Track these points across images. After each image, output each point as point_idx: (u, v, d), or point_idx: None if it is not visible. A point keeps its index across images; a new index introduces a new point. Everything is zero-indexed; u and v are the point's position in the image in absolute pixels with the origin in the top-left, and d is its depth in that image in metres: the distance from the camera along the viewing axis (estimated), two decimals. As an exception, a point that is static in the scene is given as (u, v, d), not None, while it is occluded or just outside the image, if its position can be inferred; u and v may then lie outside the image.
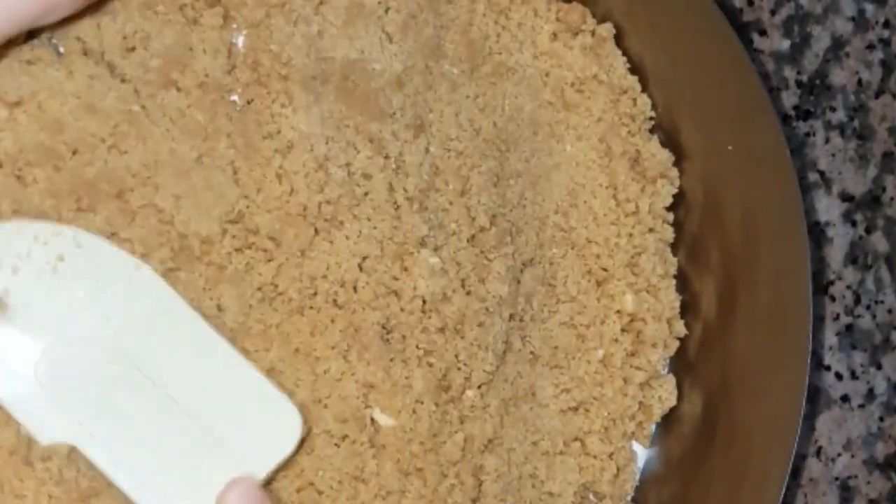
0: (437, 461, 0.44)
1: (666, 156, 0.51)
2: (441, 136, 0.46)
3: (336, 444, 0.43)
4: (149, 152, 0.40)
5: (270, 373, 0.42)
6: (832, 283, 0.58)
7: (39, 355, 0.38)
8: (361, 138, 0.44)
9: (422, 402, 0.44)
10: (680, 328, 0.51)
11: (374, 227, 0.43)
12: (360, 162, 0.43)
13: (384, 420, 0.43)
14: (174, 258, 0.41)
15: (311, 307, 0.43)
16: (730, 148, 0.49)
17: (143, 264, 0.39)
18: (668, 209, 0.52)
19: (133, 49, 0.41)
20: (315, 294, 0.43)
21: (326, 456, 0.42)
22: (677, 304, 0.51)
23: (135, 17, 0.41)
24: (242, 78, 0.43)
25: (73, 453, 0.38)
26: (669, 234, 0.51)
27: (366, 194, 0.43)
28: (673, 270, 0.52)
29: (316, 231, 0.43)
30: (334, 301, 0.43)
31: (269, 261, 0.42)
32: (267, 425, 0.40)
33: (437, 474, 0.44)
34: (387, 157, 0.44)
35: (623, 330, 0.50)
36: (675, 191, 0.51)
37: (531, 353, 0.48)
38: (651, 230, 0.51)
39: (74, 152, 0.40)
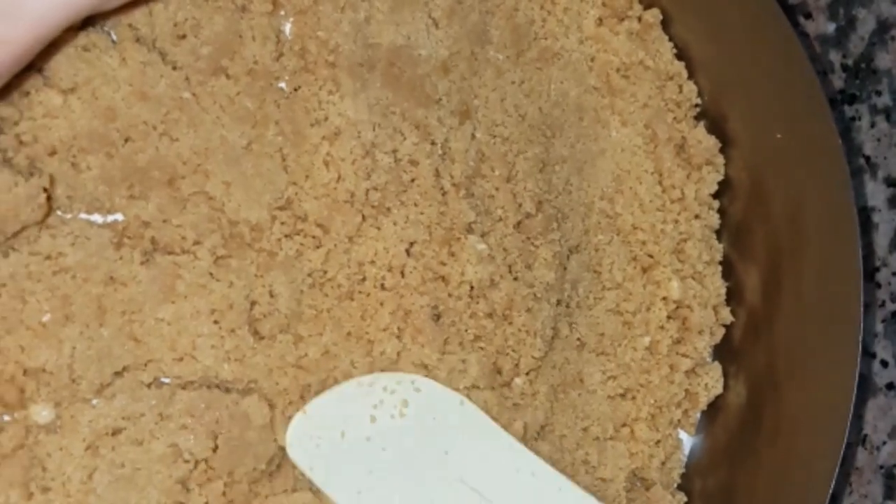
0: None
1: (712, 142, 0.50)
2: (487, 121, 0.46)
3: None
4: (199, 139, 0.40)
5: (325, 356, 0.42)
6: (878, 269, 0.57)
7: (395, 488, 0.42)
8: (408, 125, 0.43)
9: (478, 387, 0.44)
10: (726, 315, 0.51)
11: (421, 213, 0.43)
12: (407, 148, 0.43)
13: None
14: (225, 245, 0.41)
15: (360, 292, 0.43)
16: (778, 136, 0.48)
17: (466, 400, 0.43)
18: (713, 196, 0.51)
19: (184, 36, 0.41)
20: (364, 279, 0.43)
21: None
22: (723, 291, 0.51)
23: (186, 5, 0.41)
24: (290, 65, 0.42)
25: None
26: (715, 220, 0.51)
27: (412, 180, 0.43)
28: (718, 257, 0.51)
29: (363, 217, 0.43)
30: (382, 286, 0.43)
31: (318, 247, 0.42)
32: None
33: None
34: (433, 143, 0.44)
35: (669, 317, 0.50)
36: (720, 178, 0.51)
37: (578, 339, 0.48)
38: (697, 217, 0.50)
39: (127, 139, 0.40)
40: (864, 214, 0.57)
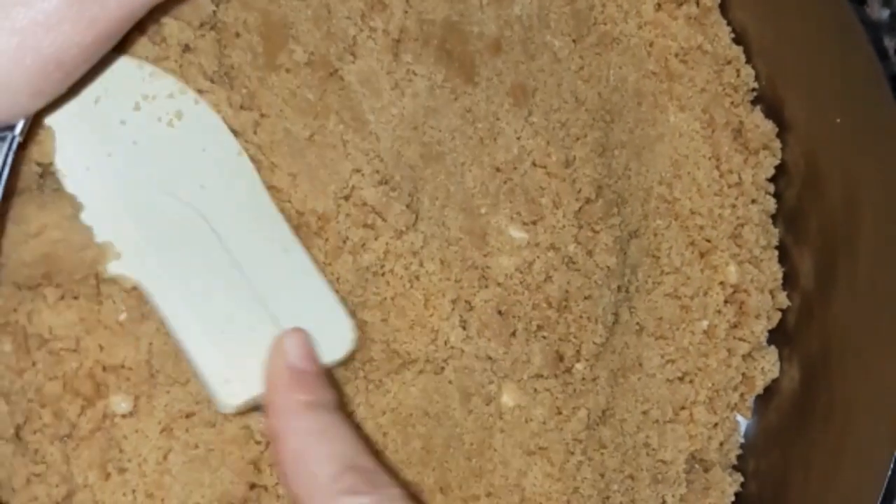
0: (562, 438, 0.44)
1: (769, 127, 0.51)
2: (544, 106, 0.46)
3: (462, 419, 0.43)
4: (265, 134, 0.41)
5: (392, 344, 0.42)
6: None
7: (130, 189, 0.38)
8: (458, 106, 0.44)
9: (542, 376, 0.44)
10: (782, 299, 0.51)
11: (459, 198, 0.44)
12: (452, 125, 0.44)
13: (504, 398, 0.44)
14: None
15: (419, 279, 0.43)
16: (838, 120, 0.48)
17: (245, 153, 0.40)
18: (770, 180, 0.51)
19: (238, 35, 0.41)
20: (421, 266, 0.43)
21: (455, 432, 0.43)
22: (780, 275, 0.51)
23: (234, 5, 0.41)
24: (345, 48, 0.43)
25: (134, 290, 0.39)
26: (771, 205, 0.51)
27: (461, 164, 0.44)
28: (775, 241, 0.51)
29: (408, 206, 0.43)
30: (436, 275, 0.43)
31: (378, 237, 0.42)
32: (321, 328, 0.40)
33: (562, 452, 0.44)
34: (476, 123, 0.44)
35: (726, 301, 0.50)
36: (777, 162, 0.51)
37: (637, 324, 0.48)
38: (754, 201, 0.51)
39: None
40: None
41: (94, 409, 0.38)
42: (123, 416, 0.39)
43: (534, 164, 0.45)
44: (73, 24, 0.33)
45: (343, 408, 0.40)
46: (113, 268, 0.38)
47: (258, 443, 0.40)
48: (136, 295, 0.39)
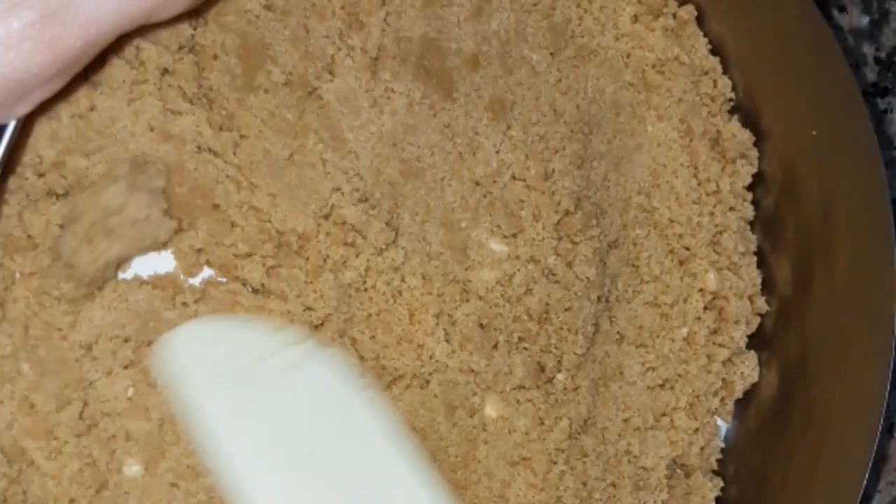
0: (544, 449, 0.45)
1: (746, 136, 0.51)
2: (522, 119, 0.47)
3: (447, 432, 0.44)
4: (244, 154, 0.42)
5: (381, 360, 0.43)
6: (909, 259, 0.58)
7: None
8: (437, 122, 0.44)
9: (524, 387, 0.45)
10: (761, 304, 0.52)
11: (439, 213, 0.44)
12: (431, 141, 0.44)
13: (487, 410, 0.45)
14: (275, 255, 0.42)
15: (402, 294, 0.44)
16: (814, 133, 0.49)
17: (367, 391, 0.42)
18: (748, 188, 0.52)
19: (216, 57, 0.42)
20: (403, 282, 0.44)
21: (440, 445, 0.44)
22: (758, 281, 0.52)
23: (212, 28, 0.42)
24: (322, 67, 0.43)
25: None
26: (749, 212, 0.52)
27: (440, 179, 0.45)
28: (753, 248, 0.52)
29: (388, 223, 0.44)
30: (419, 290, 0.44)
31: (358, 255, 0.43)
32: None
33: (545, 462, 0.45)
34: (455, 138, 0.45)
35: (706, 308, 0.51)
36: (754, 171, 0.51)
37: (618, 333, 0.49)
38: (732, 209, 0.51)
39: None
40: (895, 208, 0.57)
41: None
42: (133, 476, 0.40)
43: (513, 177, 0.46)
44: (35, 44, 0.34)
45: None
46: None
47: None
48: (141, 367, 0.40)
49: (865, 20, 0.58)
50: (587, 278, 0.47)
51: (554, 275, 0.46)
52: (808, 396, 0.50)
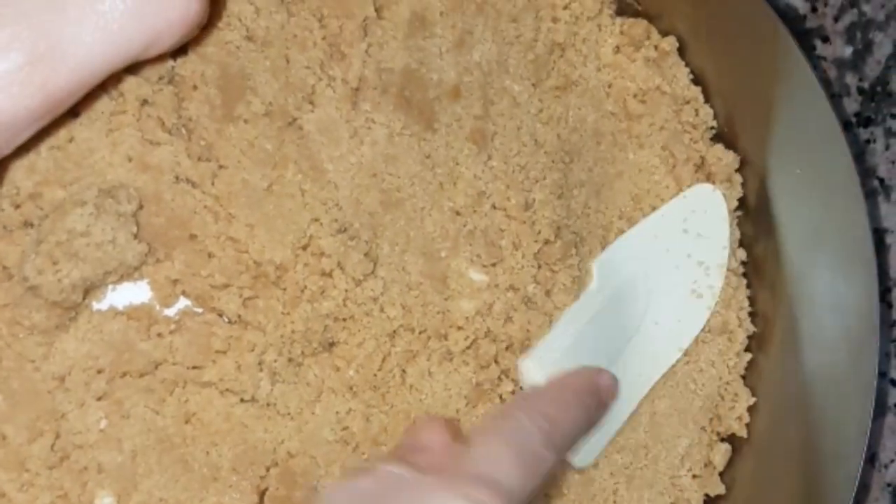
0: None
1: (731, 157, 0.51)
2: (503, 150, 0.47)
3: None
4: (223, 185, 0.42)
5: (374, 393, 0.44)
6: (889, 290, 0.58)
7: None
8: (418, 152, 0.45)
9: None
10: (748, 326, 0.52)
11: (419, 243, 0.45)
12: (412, 171, 0.44)
13: None
14: (252, 286, 0.42)
15: (382, 325, 0.44)
16: (798, 171, 0.49)
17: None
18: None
19: (195, 87, 0.42)
20: (382, 312, 0.44)
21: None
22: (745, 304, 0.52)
23: (193, 59, 0.42)
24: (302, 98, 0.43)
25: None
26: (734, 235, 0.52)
27: (420, 209, 0.45)
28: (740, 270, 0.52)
29: (368, 253, 0.44)
30: (398, 321, 0.44)
31: (336, 286, 0.43)
32: None
33: None
34: (436, 168, 0.45)
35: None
36: (739, 195, 0.52)
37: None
38: None
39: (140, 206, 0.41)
40: (878, 236, 0.58)
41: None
42: None
43: (493, 206, 0.46)
44: (23, 87, 0.34)
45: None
46: None
47: None
48: (116, 399, 0.40)
49: (849, 50, 0.58)
50: (565, 306, 0.47)
51: (533, 303, 0.46)
52: (796, 433, 0.50)
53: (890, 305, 0.58)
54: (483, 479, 0.35)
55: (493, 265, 0.46)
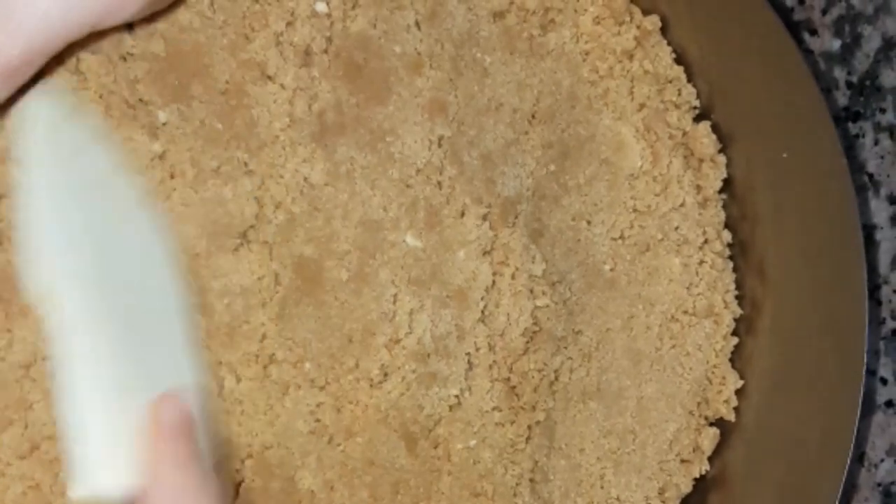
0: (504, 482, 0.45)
1: (714, 138, 0.50)
2: (458, 119, 0.45)
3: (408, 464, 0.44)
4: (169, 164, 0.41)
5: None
6: (879, 287, 0.57)
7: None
8: (367, 120, 0.43)
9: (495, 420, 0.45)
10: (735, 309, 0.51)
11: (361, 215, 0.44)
12: (361, 141, 0.43)
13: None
14: None
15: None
16: (784, 155, 0.48)
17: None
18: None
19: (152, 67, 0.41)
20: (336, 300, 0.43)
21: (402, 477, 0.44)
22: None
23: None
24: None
25: None
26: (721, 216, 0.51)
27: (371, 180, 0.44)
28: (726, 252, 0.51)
29: None
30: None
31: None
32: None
33: (507, 497, 0.45)
34: (386, 137, 0.43)
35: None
36: (723, 175, 0.50)
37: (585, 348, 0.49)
38: (701, 214, 0.51)
39: None
40: (866, 231, 0.57)
41: None
42: None
43: (440, 174, 0.45)
44: None
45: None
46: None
47: None
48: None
49: (837, 44, 0.57)
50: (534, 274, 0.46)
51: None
52: (782, 426, 0.49)
53: (879, 302, 0.57)
54: None
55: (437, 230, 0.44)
